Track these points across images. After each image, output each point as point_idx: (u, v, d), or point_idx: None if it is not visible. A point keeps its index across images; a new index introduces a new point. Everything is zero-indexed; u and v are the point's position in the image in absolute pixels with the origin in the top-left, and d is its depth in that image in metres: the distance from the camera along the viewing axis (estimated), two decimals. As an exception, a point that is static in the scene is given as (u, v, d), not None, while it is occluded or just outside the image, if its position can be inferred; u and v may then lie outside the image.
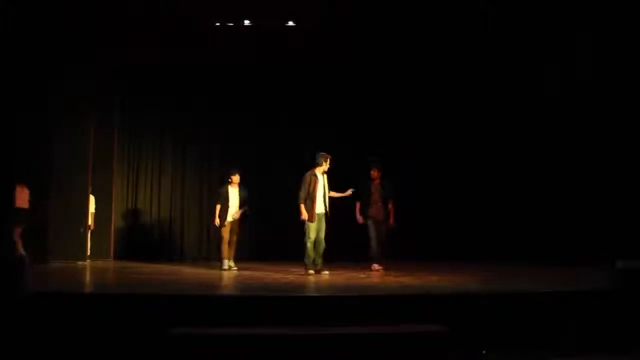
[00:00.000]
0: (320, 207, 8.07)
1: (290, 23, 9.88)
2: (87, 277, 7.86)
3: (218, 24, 9.86)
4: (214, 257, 10.72)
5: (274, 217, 10.75)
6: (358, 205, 8.80)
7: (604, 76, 9.28)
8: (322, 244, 8.06)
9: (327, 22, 9.68)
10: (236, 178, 9.00)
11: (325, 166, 8.17)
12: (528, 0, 9.16)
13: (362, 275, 7.84)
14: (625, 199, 9.02)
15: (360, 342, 4.65)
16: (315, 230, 7.99)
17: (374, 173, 8.87)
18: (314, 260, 8.01)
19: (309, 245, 7.98)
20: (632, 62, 8.86)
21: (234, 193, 8.97)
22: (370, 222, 8.72)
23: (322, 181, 8.14)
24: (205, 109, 11.44)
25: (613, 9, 8.72)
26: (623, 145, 9.14)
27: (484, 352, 5.07)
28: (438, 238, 10.67)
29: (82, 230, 9.95)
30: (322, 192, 8.10)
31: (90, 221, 10.27)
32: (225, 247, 8.86)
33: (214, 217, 9.03)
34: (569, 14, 9.14)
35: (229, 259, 8.83)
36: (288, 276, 7.74)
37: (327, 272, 7.94)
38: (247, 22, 9.87)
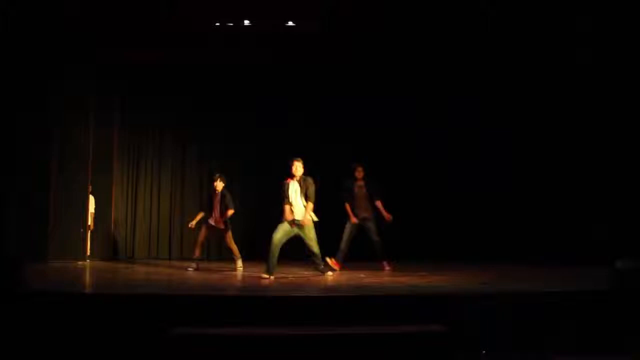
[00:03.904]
0: (296, 214, 7.68)
1: (290, 23, 9.87)
2: (87, 277, 7.86)
3: (218, 24, 9.86)
4: (213, 257, 10.74)
5: (273, 217, 10.74)
6: (348, 206, 8.72)
7: (604, 71, 9.30)
8: (315, 250, 7.74)
9: (329, 22, 9.67)
10: (218, 184, 8.98)
11: (294, 171, 7.75)
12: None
13: (362, 275, 7.84)
14: (625, 199, 9.03)
15: (360, 342, 4.65)
16: (283, 232, 7.61)
17: (358, 173, 8.84)
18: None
19: (273, 242, 7.57)
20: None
21: (217, 199, 8.98)
22: (348, 223, 8.70)
23: (292, 187, 7.73)
24: (205, 109, 11.43)
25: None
26: (622, 145, 9.15)
27: (484, 352, 5.07)
28: (438, 238, 10.66)
29: (82, 230, 9.95)
30: (294, 199, 7.68)
31: (90, 221, 10.27)
32: (196, 249, 9.02)
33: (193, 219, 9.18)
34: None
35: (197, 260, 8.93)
36: (288, 276, 7.74)
37: (330, 274, 7.85)
38: (247, 22, 9.86)
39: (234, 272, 8.43)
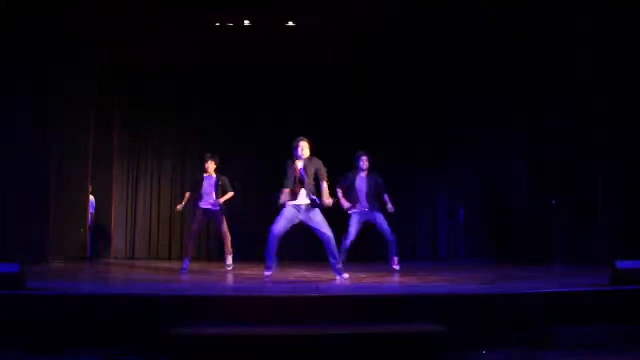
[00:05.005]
0: (302, 198, 7.13)
1: (290, 23, 9.87)
2: (87, 277, 7.86)
3: (218, 24, 9.86)
4: (214, 257, 10.73)
5: (273, 217, 10.73)
6: (340, 192, 8.42)
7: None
8: (329, 232, 7.07)
9: (329, 22, 9.68)
10: (209, 166, 8.59)
11: (301, 152, 7.17)
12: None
13: (362, 275, 7.83)
14: (625, 199, 9.03)
15: (361, 342, 4.65)
16: (285, 221, 7.13)
17: (363, 163, 8.51)
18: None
19: (273, 235, 7.07)
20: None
21: (208, 182, 8.58)
22: (353, 216, 8.40)
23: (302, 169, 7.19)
24: (206, 109, 11.45)
25: None
26: (622, 144, 9.16)
27: (484, 352, 5.07)
28: (438, 238, 10.68)
29: (82, 230, 9.95)
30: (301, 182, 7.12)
31: (90, 221, 10.28)
32: (189, 243, 8.50)
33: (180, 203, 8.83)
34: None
35: (189, 256, 8.39)
36: (287, 276, 7.74)
37: (346, 276, 7.27)
38: (247, 22, 9.86)
39: (232, 272, 8.41)
